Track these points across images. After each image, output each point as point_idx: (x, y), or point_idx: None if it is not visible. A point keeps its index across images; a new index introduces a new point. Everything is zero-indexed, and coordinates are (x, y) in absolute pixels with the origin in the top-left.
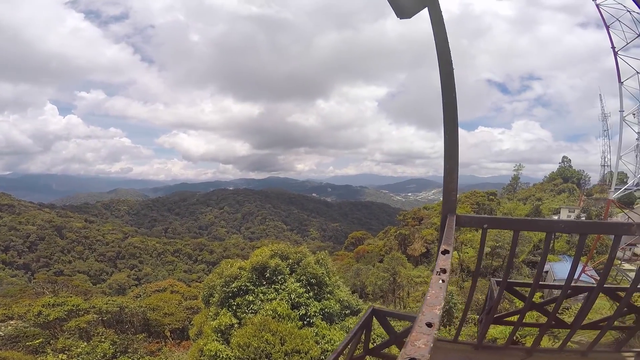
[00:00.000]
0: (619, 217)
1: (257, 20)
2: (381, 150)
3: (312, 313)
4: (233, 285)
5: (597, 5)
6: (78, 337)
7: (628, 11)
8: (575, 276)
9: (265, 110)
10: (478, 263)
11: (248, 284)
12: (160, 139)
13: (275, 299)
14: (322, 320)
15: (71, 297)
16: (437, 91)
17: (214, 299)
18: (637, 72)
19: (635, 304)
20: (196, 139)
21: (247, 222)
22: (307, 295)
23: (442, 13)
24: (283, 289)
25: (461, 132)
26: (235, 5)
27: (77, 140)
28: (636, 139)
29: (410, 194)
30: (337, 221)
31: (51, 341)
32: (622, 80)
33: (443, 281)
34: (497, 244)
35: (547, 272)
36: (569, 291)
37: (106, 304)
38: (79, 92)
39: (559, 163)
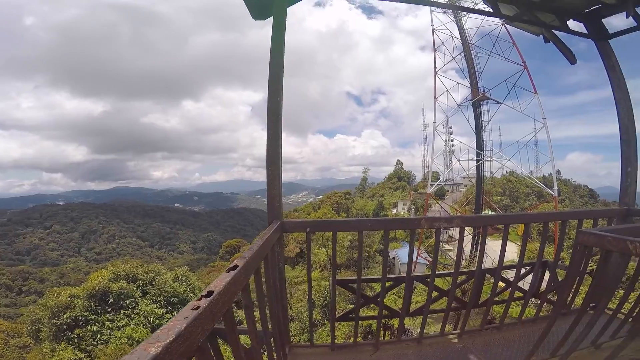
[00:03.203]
0: (436, 206)
1: (124, 10)
2: (252, 156)
3: None
4: (65, 316)
5: (433, 30)
6: None
7: (452, 37)
8: (414, 259)
9: (113, 109)
10: (308, 266)
11: (86, 313)
12: None
13: (128, 325)
14: None
15: None
16: (307, 100)
17: (43, 334)
18: (447, 90)
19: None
20: (6, 141)
21: (88, 241)
22: (169, 315)
23: (286, 22)
24: (136, 313)
25: (323, 139)
26: None
27: None
28: (444, 145)
29: None
30: (209, 231)
31: None
32: (437, 97)
33: (197, 308)
34: (355, 238)
35: (394, 258)
36: (389, 283)
37: None
38: None
39: (395, 165)
